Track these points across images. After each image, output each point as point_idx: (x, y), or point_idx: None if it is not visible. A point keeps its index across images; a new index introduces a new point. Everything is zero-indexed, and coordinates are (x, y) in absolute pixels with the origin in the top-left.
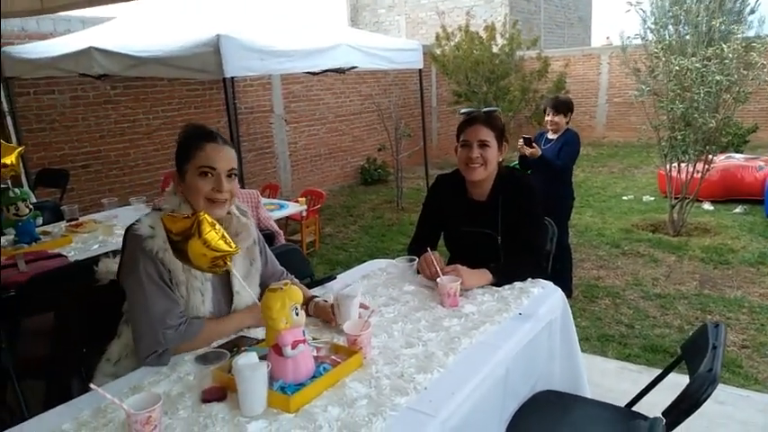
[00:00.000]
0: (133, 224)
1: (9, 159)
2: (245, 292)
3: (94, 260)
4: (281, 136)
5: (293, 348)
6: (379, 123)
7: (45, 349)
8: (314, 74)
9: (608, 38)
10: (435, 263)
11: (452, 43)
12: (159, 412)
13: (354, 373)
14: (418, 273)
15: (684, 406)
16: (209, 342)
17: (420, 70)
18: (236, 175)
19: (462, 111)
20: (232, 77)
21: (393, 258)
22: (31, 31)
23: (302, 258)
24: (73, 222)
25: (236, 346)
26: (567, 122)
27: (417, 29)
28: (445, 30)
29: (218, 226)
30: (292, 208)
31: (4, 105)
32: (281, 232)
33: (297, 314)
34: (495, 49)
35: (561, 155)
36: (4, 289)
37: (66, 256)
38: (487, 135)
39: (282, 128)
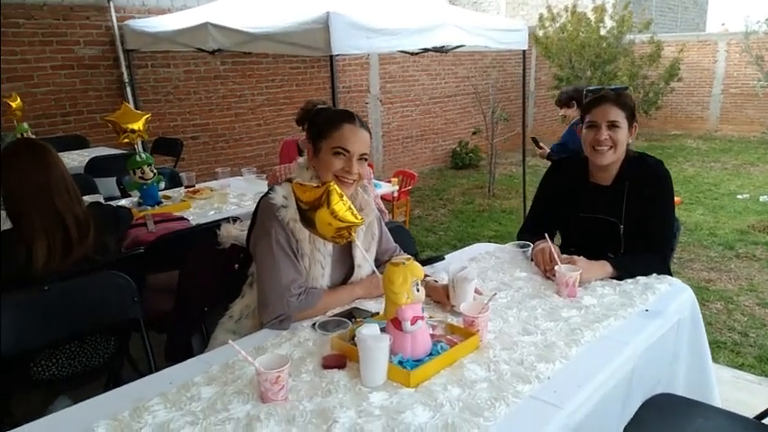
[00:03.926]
0: (268, 193)
1: (137, 125)
2: (366, 265)
3: (215, 225)
4: (375, 116)
5: (413, 324)
6: (473, 106)
7: (168, 305)
8: (413, 53)
9: (723, 24)
10: (555, 255)
11: (557, 24)
12: (287, 373)
13: (471, 355)
14: (532, 260)
15: None
16: (324, 311)
17: (524, 51)
18: (367, 158)
19: (589, 88)
20: (334, 56)
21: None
22: (151, 6)
23: (409, 237)
24: (190, 189)
25: (351, 316)
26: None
27: (518, 9)
28: (550, 10)
29: (345, 197)
30: (385, 188)
31: (125, 76)
32: (386, 211)
33: (417, 290)
34: (602, 32)
35: (566, 147)
36: (134, 246)
37: (187, 220)
38: (617, 115)
39: (377, 108)
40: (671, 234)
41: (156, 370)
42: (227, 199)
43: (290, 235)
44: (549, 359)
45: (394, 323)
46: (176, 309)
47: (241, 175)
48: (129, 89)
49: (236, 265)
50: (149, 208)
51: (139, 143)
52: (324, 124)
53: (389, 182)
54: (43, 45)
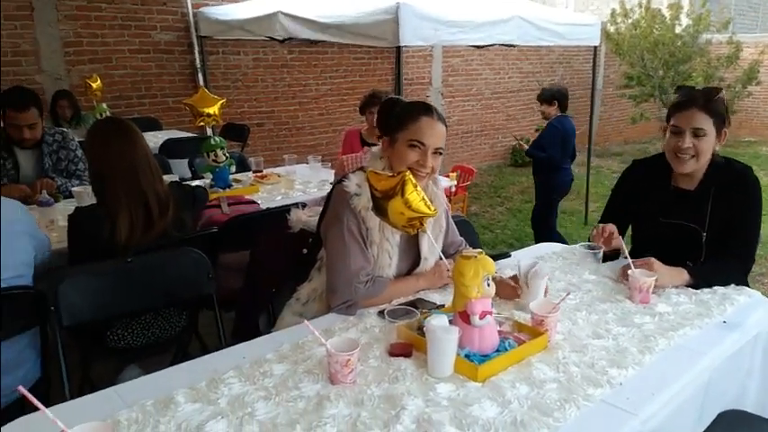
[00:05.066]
0: (342, 180)
1: (213, 109)
2: (432, 257)
3: (284, 209)
4: None
5: (481, 318)
6: (536, 103)
7: (236, 284)
8: (479, 47)
9: None
10: (624, 249)
11: (630, 21)
12: (356, 357)
13: (539, 355)
14: (603, 261)
15: None
16: (389, 300)
17: (595, 48)
18: (441, 152)
19: (678, 86)
20: (399, 47)
21: None
22: None
23: (473, 232)
24: (258, 173)
25: (415, 306)
26: (560, 111)
27: (587, 4)
28: (623, 6)
29: (419, 188)
30: (443, 182)
31: (197, 62)
32: (449, 205)
33: (488, 285)
34: (677, 30)
35: (539, 145)
36: (208, 226)
37: (257, 203)
38: (704, 122)
39: (438, 101)
40: (755, 245)
41: (226, 346)
42: (294, 185)
43: (361, 223)
44: (621, 365)
45: (462, 316)
46: (245, 288)
47: (306, 163)
48: (200, 75)
49: (304, 250)
50: (220, 190)
51: (209, 128)
52: (401, 116)
53: (447, 176)
54: (122, 29)
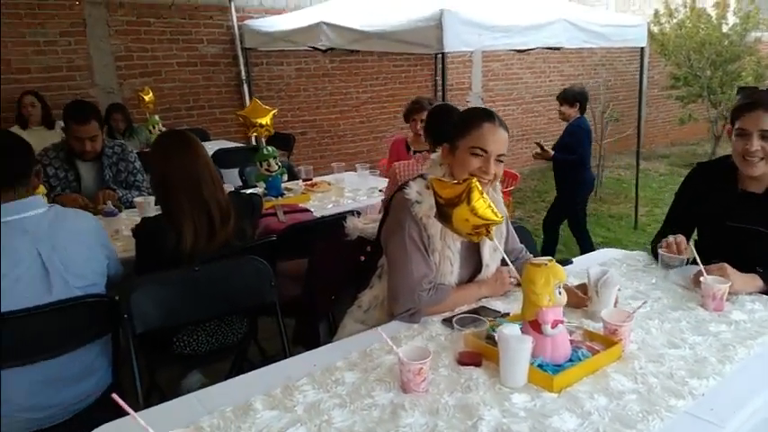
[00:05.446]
0: (403, 188)
1: (265, 120)
2: (493, 264)
3: (340, 217)
4: None
5: (553, 327)
6: None
7: (293, 291)
8: (521, 51)
9: None
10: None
11: (674, 21)
12: (429, 366)
13: (614, 365)
14: (668, 267)
15: None
16: (451, 308)
17: (642, 49)
18: (503, 159)
19: (741, 87)
20: (445, 53)
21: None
22: (268, 6)
23: (530, 238)
24: (308, 182)
25: (478, 314)
26: (580, 113)
27: (629, 4)
28: (668, 5)
29: (486, 195)
30: None
31: (243, 73)
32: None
33: (560, 293)
34: (724, 29)
35: (567, 147)
36: (266, 234)
37: (311, 211)
38: None
39: (479, 106)
40: None
41: (289, 352)
42: (344, 193)
43: (423, 230)
44: (701, 375)
45: (532, 325)
46: (305, 295)
47: (353, 171)
48: (245, 86)
49: (362, 257)
50: (273, 199)
51: (253, 137)
52: (463, 122)
53: None
54: (171, 43)
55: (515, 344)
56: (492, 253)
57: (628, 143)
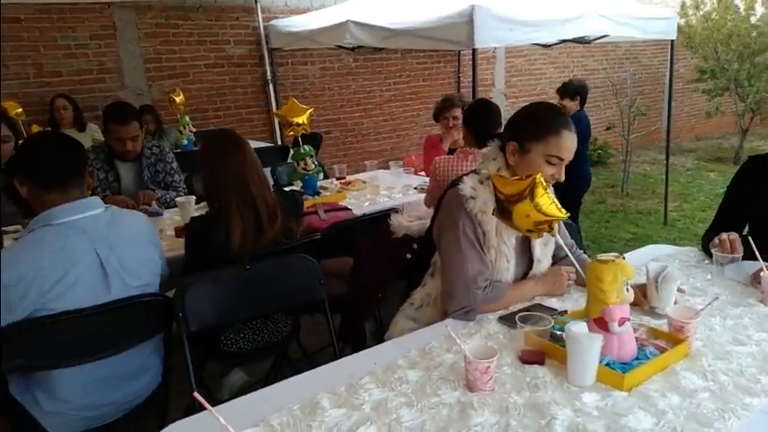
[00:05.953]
0: (457, 184)
1: (302, 119)
2: (545, 260)
3: (383, 214)
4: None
5: (620, 325)
6: (603, 100)
7: (337, 289)
8: (547, 45)
9: None
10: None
11: (701, 13)
12: (495, 364)
13: (682, 363)
14: (720, 264)
15: None
16: (507, 306)
17: (672, 42)
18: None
19: None
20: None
21: (622, 246)
22: (293, 6)
23: (577, 234)
24: (342, 180)
25: (531, 312)
26: (579, 106)
27: None
28: None
29: (549, 191)
30: None
31: (268, 74)
32: None
33: (627, 290)
34: (753, 20)
35: None
36: (308, 232)
37: (350, 209)
38: None
39: (502, 103)
40: None
41: (338, 350)
42: (379, 191)
43: (478, 226)
44: None
45: (598, 323)
46: (351, 293)
47: (388, 168)
48: (271, 86)
49: (408, 255)
50: (310, 197)
51: (276, 136)
52: (538, 126)
53: None
54: (198, 44)
55: (586, 342)
56: (543, 248)
57: (652, 138)
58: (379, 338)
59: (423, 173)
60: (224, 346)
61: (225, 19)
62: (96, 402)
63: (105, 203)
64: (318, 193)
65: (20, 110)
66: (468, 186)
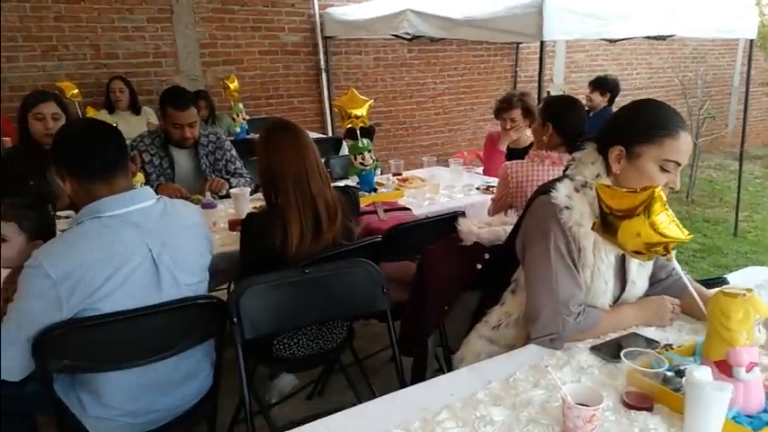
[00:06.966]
0: (549, 190)
1: (361, 111)
2: (640, 282)
3: (446, 218)
4: None
5: (748, 371)
6: (665, 101)
7: (396, 295)
8: (612, 41)
9: None
10: None
11: None
12: (602, 412)
13: None
14: None
15: None
16: (598, 335)
17: (751, 41)
18: None
19: None
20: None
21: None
22: None
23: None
24: (398, 176)
25: (622, 343)
26: (607, 102)
27: None
28: None
29: (669, 209)
30: None
31: (321, 62)
32: None
33: (759, 331)
34: None
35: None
36: (366, 233)
37: (410, 210)
38: None
39: None
40: None
41: (400, 363)
42: (438, 189)
43: (572, 241)
44: None
45: (720, 366)
46: (413, 303)
47: (446, 166)
48: (324, 75)
49: (479, 265)
50: (366, 194)
51: (328, 126)
52: (652, 127)
53: None
54: (253, 31)
55: (713, 393)
56: (639, 269)
57: (716, 142)
58: (444, 354)
59: (476, 169)
60: (276, 351)
61: (280, 5)
62: (143, 409)
63: (157, 191)
64: (375, 190)
65: (76, 91)
66: (562, 194)
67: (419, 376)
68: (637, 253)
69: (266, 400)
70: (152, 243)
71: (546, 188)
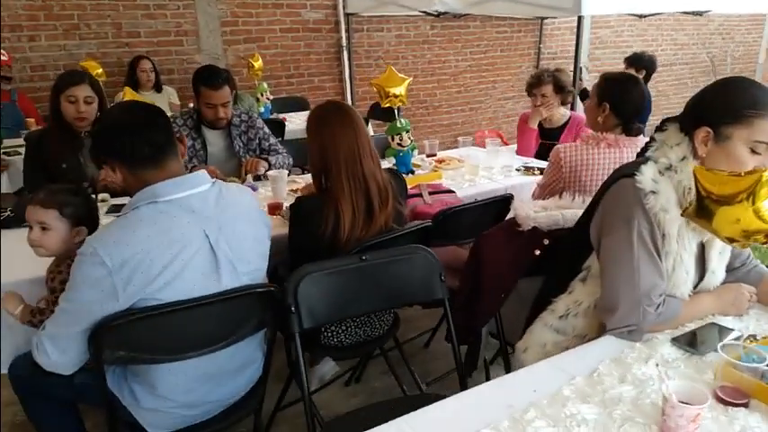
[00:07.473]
0: (634, 173)
1: (400, 89)
2: (720, 272)
3: (495, 200)
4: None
5: None
6: (690, 78)
7: (448, 283)
8: (641, 17)
9: None
10: None
11: None
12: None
13: None
14: None
15: None
16: (677, 326)
17: None
18: None
19: None
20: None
21: None
22: None
23: None
24: (433, 157)
25: (704, 331)
26: (644, 78)
27: None
28: None
29: None
30: None
31: (343, 40)
32: None
33: None
34: None
35: None
36: (412, 218)
37: (455, 192)
38: None
39: (585, 76)
40: None
41: (458, 351)
42: (478, 171)
43: (656, 228)
44: None
45: None
46: (467, 291)
47: (483, 147)
48: (345, 53)
49: (537, 251)
50: (409, 177)
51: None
52: (741, 106)
53: None
54: (275, 8)
55: None
56: (719, 257)
57: None
58: (501, 343)
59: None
60: (324, 339)
61: None
62: (198, 400)
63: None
64: (412, 171)
65: (100, 70)
66: (647, 178)
67: (471, 364)
68: (731, 240)
69: (307, 385)
70: (209, 229)
71: (628, 171)
